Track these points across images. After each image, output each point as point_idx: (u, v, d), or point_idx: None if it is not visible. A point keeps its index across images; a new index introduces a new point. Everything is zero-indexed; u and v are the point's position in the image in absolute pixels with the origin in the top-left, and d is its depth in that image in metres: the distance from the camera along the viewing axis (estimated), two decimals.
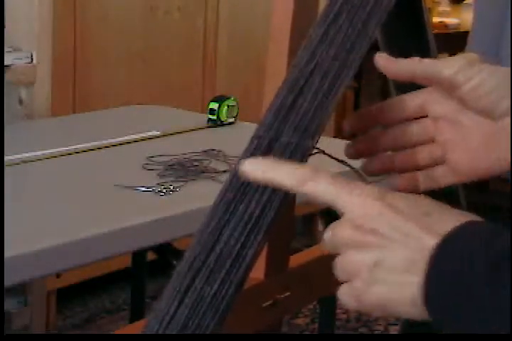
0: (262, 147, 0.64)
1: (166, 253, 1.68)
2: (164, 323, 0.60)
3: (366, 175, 0.70)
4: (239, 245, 0.61)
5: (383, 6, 0.67)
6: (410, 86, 0.85)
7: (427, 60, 0.63)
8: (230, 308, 0.60)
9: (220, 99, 1.83)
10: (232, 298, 0.60)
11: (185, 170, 1.45)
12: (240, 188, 0.63)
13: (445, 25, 4.57)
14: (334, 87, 0.65)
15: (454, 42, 4.39)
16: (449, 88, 0.64)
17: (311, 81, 0.65)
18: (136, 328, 0.83)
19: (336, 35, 0.66)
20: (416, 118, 0.69)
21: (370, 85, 4.09)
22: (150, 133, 1.71)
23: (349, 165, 0.70)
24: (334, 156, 0.70)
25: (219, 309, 0.60)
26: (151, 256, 1.92)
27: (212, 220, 0.62)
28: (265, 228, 0.62)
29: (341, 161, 0.70)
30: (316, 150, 0.65)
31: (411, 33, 0.78)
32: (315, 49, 0.67)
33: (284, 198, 0.63)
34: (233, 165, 0.65)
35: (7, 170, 1.41)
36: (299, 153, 0.63)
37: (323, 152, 0.68)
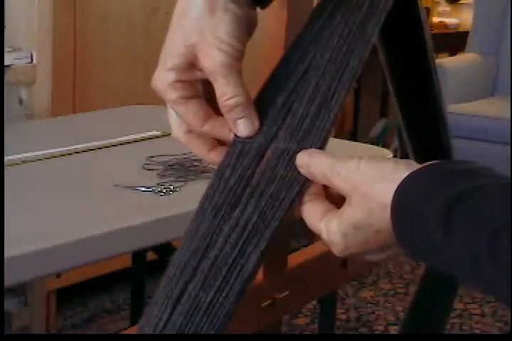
0: (250, 152, 0.63)
1: (166, 253, 1.68)
2: (158, 329, 0.59)
3: None
4: (236, 252, 0.60)
5: (380, 7, 0.65)
6: (410, 85, 0.85)
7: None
8: (232, 316, 0.59)
9: None
10: (233, 306, 0.59)
11: (185, 170, 1.45)
12: (230, 192, 0.62)
13: (445, 25, 4.57)
14: (336, 92, 0.63)
15: (453, 42, 4.40)
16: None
17: (305, 84, 0.64)
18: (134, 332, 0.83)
19: (331, 37, 0.65)
20: None
21: (370, 85, 4.09)
22: (150, 133, 1.71)
23: None
24: None
25: (219, 317, 0.59)
26: (151, 256, 1.92)
27: (202, 224, 0.61)
28: (268, 236, 0.60)
29: None
30: None
31: (407, 32, 0.78)
32: (306, 49, 0.65)
33: (289, 209, 0.61)
34: (216, 170, 0.64)
35: (7, 170, 1.41)
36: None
37: None
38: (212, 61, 0.62)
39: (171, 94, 0.64)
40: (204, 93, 0.66)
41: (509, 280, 0.50)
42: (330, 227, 0.60)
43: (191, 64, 0.63)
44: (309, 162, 0.61)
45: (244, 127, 0.63)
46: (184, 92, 0.64)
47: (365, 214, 0.58)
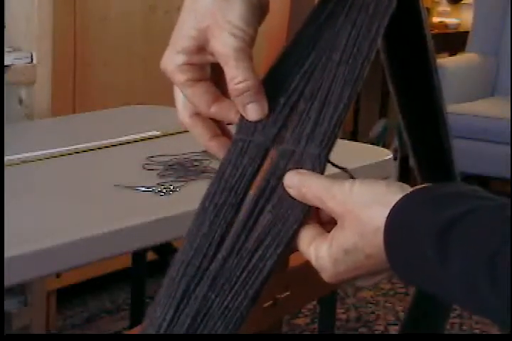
0: (250, 150, 0.62)
1: (166, 253, 1.68)
2: (162, 329, 0.58)
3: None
4: (257, 256, 0.59)
5: (384, 6, 0.65)
6: (411, 85, 0.85)
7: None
8: (245, 320, 0.59)
9: None
10: (246, 309, 0.58)
11: (185, 170, 1.46)
12: (231, 191, 0.61)
13: (445, 25, 4.57)
14: (347, 95, 0.62)
15: (453, 42, 4.40)
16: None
17: (313, 85, 0.63)
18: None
19: (337, 38, 0.64)
20: None
21: (370, 85, 4.09)
22: (150, 133, 1.71)
23: (340, 168, 0.67)
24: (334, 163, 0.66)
25: (233, 321, 0.58)
26: (151, 256, 1.92)
27: (203, 224, 0.60)
28: (287, 240, 0.59)
29: (339, 167, 0.67)
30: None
31: (408, 32, 0.78)
32: (306, 49, 0.64)
33: (307, 210, 0.60)
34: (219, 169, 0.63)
35: (7, 170, 1.41)
36: (307, 161, 0.61)
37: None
38: (224, 45, 0.62)
39: (179, 76, 0.64)
40: (212, 77, 0.66)
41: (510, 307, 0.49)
42: (319, 252, 0.59)
43: (201, 47, 0.63)
44: (301, 183, 0.60)
45: (253, 111, 0.63)
46: (192, 75, 0.64)
47: (356, 238, 0.57)
